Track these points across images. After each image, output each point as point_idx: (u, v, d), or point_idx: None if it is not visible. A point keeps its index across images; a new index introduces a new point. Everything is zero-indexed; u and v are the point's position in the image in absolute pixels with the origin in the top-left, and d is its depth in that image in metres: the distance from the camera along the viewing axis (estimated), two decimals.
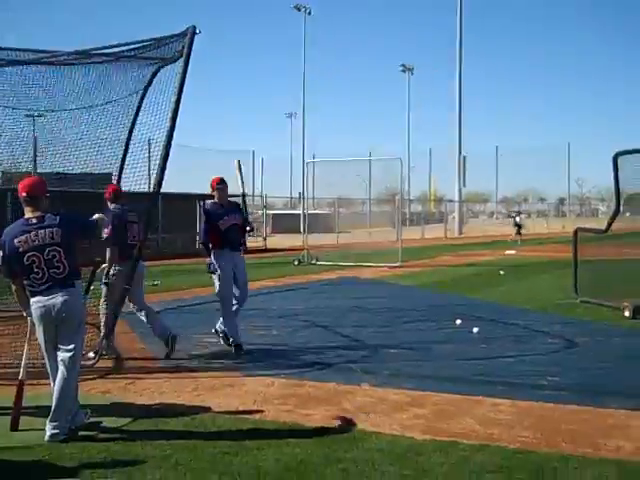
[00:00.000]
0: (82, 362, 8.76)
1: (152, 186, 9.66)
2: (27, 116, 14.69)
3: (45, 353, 6.54)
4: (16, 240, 6.32)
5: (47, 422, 6.26)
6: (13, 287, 6.62)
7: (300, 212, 57.40)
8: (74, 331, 6.44)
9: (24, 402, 6.68)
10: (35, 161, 18.49)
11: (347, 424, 6.68)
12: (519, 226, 43.66)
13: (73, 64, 12.49)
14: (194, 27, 10.05)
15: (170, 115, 9.56)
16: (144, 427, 6.63)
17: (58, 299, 6.32)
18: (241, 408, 7.26)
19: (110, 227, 8.96)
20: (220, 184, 10.36)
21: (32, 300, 6.42)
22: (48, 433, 6.21)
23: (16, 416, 6.56)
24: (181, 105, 9.77)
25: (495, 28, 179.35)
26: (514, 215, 47.06)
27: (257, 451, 5.92)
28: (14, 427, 6.50)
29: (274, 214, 59.66)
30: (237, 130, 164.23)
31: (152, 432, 6.46)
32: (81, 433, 6.40)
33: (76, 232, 6.59)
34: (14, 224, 6.51)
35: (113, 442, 6.20)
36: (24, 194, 6.44)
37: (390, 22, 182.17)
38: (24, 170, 20.86)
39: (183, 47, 10.08)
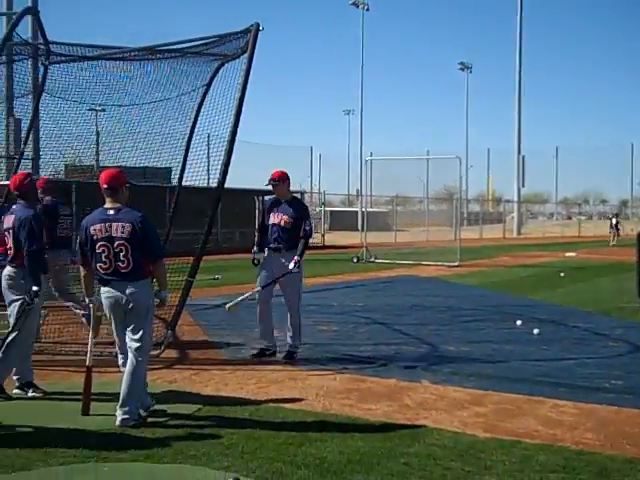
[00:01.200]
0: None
1: (217, 181, 9.79)
2: (90, 110, 15.05)
3: (116, 338, 6.73)
4: (92, 227, 6.51)
5: (117, 407, 6.44)
6: (82, 272, 6.79)
7: (357, 209, 57.50)
8: (141, 320, 6.58)
9: (94, 388, 6.86)
10: (98, 155, 18.93)
11: (408, 419, 6.76)
12: (617, 228, 44.31)
13: (139, 60, 12.74)
14: (258, 24, 10.14)
15: (234, 111, 9.69)
16: (210, 416, 6.77)
17: (124, 290, 6.47)
18: (304, 401, 7.37)
19: None
20: (274, 181, 9.74)
21: (102, 289, 6.60)
22: (119, 418, 6.39)
23: (86, 401, 6.74)
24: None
25: (558, 23, 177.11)
26: (611, 217, 47.90)
27: (320, 443, 6.01)
28: (85, 412, 6.70)
29: (331, 211, 59.79)
30: (295, 126, 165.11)
31: (218, 421, 6.60)
32: (150, 420, 6.56)
33: (141, 239, 6.54)
34: (95, 211, 6.67)
35: (181, 429, 6.35)
36: (105, 185, 6.60)
37: (449, 19, 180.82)
38: (87, 164, 21.36)
39: (246, 44, 10.20)
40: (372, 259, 27.42)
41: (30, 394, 7.40)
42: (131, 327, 6.57)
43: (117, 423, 6.39)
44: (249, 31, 10.19)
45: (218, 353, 9.87)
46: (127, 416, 6.41)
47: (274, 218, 9.55)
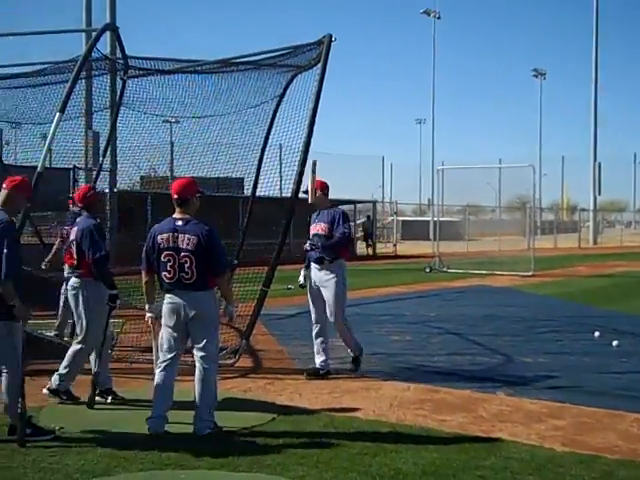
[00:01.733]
0: (222, 361, 9.23)
1: (291, 191, 9.86)
2: (165, 122, 15.35)
3: (165, 345, 6.65)
4: (159, 236, 6.58)
5: (193, 417, 6.53)
6: (144, 279, 6.81)
7: (429, 219, 57.09)
8: (204, 330, 6.59)
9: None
10: (172, 166, 19.27)
11: (483, 431, 6.68)
12: None
13: (215, 73, 12.95)
14: (330, 35, 10.18)
15: (308, 121, 9.74)
16: (285, 425, 6.80)
17: (187, 299, 6.51)
18: (378, 411, 7.35)
19: None
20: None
21: (165, 296, 6.66)
22: (195, 427, 6.48)
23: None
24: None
25: (634, 26, 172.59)
26: None
27: (395, 454, 5.98)
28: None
29: (403, 221, 59.55)
30: (367, 136, 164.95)
31: (293, 431, 6.62)
32: (226, 428, 6.61)
33: (206, 252, 6.56)
34: (165, 220, 6.73)
35: (256, 438, 6.40)
36: (175, 195, 6.67)
37: (522, 25, 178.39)
38: (162, 175, 21.76)
39: (319, 55, 10.25)
40: (444, 269, 27.23)
41: (109, 401, 7.56)
42: (195, 336, 6.60)
43: (194, 431, 6.47)
44: (322, 42, 10.25)
45: (292, 363, 9.94)
46: (203, 424, 6.48)
47: (314, 229, 9.53)
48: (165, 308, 6.61)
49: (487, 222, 72.64)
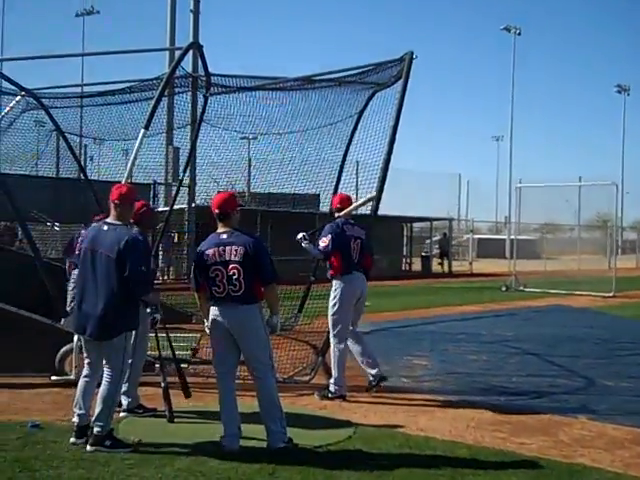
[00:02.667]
0: (298, 378, 9.26)
1: (370, 209, 9.82)
2: (242, 138, 15.54)
3: (216, 361, 6.72)
4: (206, 252, 6.59)
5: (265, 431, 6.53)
6: (197, 298, 6.83)
7: (505, 237, 56.36)
8: (253, 343, 6.57)
9: (244, 410, 6.76)
10: (249, 181, 19.50)
11: (564, 457, 6.51)
12: None
13: (296, 90, 13.04)
14: (412, 52, 10.13)
15: (388, 139, 9.67)
16: (360, 444, 6.74)
17: (232, 313, 6.52)
18: (454, 432, 7.25)
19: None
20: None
21: (212, 309, 6.65)
22: (268, 441, 6.47)
23: None
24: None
25: None
26: None
27: (472, 477, 5.87)
28: None
29: (479, 238, 58.89)
30: (443, 153, 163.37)
31: (368, 449, 6.56)
32: (302, 444, 6.60)
33: (254, 262, 6.56)
34: (209, 237, 6.74)
35: (331, 456, 6.36)
36: (216, 210, 6.71)
37: (604, 41, 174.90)
38: (239, 190, 21.99)
39: (400, 72, 10.22)
40: (521, 288, 26.76)
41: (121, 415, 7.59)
42: (244, 349, 6.60)
43: (268, 445, 6.46)
44: (403, 60, 10.22)
45: (366, 380, 9.84)
46: (274, 437, 6.46)
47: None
48: (212, 322, 6.62)
49: (566, 240, 71.24)
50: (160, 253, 26.59)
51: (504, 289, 26.45)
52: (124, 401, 7.59)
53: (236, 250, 6.53)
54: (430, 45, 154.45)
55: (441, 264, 39.34)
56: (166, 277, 26.73)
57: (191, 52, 12.67)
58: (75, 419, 6.49)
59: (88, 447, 6.29)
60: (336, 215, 9.48)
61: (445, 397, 8.83)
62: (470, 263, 40.93)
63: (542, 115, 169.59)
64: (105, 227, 6.66)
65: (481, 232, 72.08)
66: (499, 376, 10.22)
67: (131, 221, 8.00)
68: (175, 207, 24.52)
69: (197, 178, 17.74)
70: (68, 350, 8.61)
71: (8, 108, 12.98)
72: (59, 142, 15.17)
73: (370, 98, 11.88)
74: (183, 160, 15.87)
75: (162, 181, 23.36)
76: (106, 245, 6.47)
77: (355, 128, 12.21)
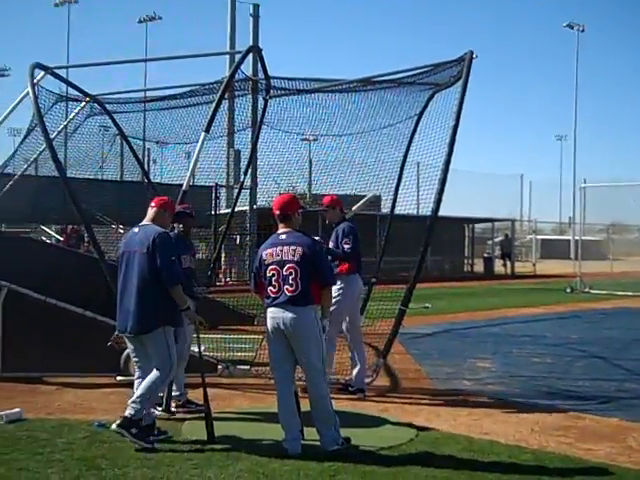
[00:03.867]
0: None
1: (431, 210, 9.74)
2: (303, 140, 15.55)
3: (272, 364, 6.71)
4: (264, 253, 6.60)
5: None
6: (260, 299, 6.82)
7: (569, 238, 55.38)
8: (306, 345, 6.48)
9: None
10: (310, 183, 19.53)
11: (634, 463, 6.33)
12: None
13: (355, 92, 13.03)
14: (472, 52, 10.03)
15: (448, 140, 9.58)
16: (422, 447, 6.66)
17: (287, 315, 6.43)
18: (518, 436, 7.11)
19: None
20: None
21: (268, 310, 6.58)
22: (320, 443, 6.44)
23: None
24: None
25: None
26: None
27: None
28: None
29: (542, 239, 58.03)
30: (505, 153, 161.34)
31: (429, 453, 6.47)
32: (362, 447, 6.57)
33: (312, 263, 6.52)
34: (270, 238, 6.75)
35: (392, 459, 6.28)
36: (277, 212, 6.72)
37: None
38: (300, 192, 22.02)
39: (460, 72, 10.13)
40: (587, 289, 26.26)
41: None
42: (297, 351, 6.53)
43: (321, 448, 6.41)
44: (463, 59, 10.13)
45: (429, 383, 9.78)
46: (326, 439, 6.43)
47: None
48: (267, 324, 6.57)
49: (633, 241, 69.73)
50: (222, 255, 26.91)
51: (569, 291, 25.99)
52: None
53: (294, 250, 6.50)
54: (492, 43, 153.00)
55: (504, 265, 38.86)
56: (228, 279, 26.93)
57: (251, 56, 12.73)
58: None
59: (113, 426, 6.49)
60: (346, 214, 9.53)
61: (509, 401, 8.68)
62: (533, 264, 40.30)
63: (607, 114, 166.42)
64: (136, 229, 6.98)
65: (544, 233, 71.01)
66: (564, 379, 10.03)
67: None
68: (237, 209, 24.90)
69: (258, 180, 17.85)
70: None
71: (74, 113, 13.25)
72: (122, 146, 15.42)
73: (430, 99, 11.80)
74: (244, 163, 15.97)
75: (224, 184, 23.55)
76: (138, 244, 6.77)
77: (415, 129, 12.15)
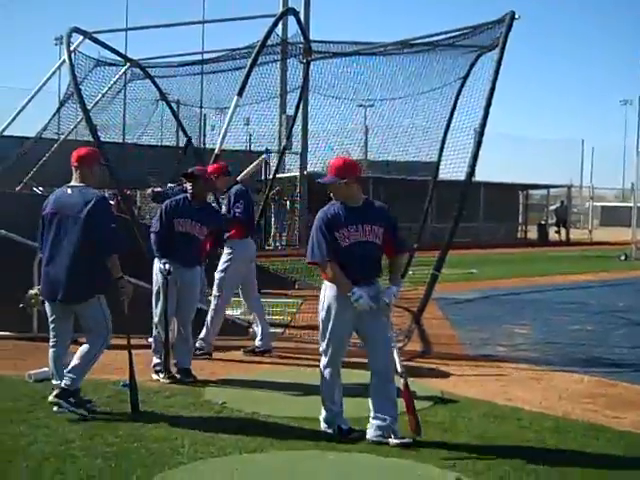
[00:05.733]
0: (393, 344, 9.18)
1: (465, 174, 9.61)
2: (359, 106, 15.44)
3: (331, 343, 5.93)
4: (345, 230, 5.82)
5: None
6: (330, 271, 5.79)
7: (631, 205, 54.16)
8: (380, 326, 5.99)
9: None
10: (366, 150, 19.41)
11: None
12: None
13: (393, 54, 12.87)
14: (513, 12, 9.81)
15: (484, 103, 9.44)
16: (444, 412, 6.61)
17: (369, 290, 5.83)
18: (544, 403, 7.01)
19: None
20: None
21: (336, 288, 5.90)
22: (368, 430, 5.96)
23: (416, 420, 5.90)
24: (499, 93, 9.56)
25: None
26: None
27: (555, 449, 5.67)
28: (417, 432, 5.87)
29: (602, 206, 56.83)
30: (565, 118, 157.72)
31: (452, 418, 6.42)
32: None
33: (387, 234, 5.97)
34: (334, 206, 5.94)
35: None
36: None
37: None
38: (355, 157, 21.87)
39: (501, 34, 9.91)
40: None
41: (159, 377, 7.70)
42: (369, 330, 5.95)
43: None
44: (503, 20, 9.91)
45: (462, 348, 9.71)
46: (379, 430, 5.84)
47: None
48: (337, 300, 5.84)
49: None
50: (272, 219, 27.02)
51: (623, 258, 25.46)
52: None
53: (376, 229, 5.89)
54: (554, 4, 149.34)
55: (558, 232, 38.20)
56: (278, 244, 27.05)
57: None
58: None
59: (50, 398, 6.20)
60: (239, 180, 9.34)
61: (541, 367, 8.57)
62: (590, 231, 39.55)
63: None
64: (69, 190, 6.44)
65: (606, 200, 69.52)
66: (602, 347, 9.87)
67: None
68: (287, 175, 24.89)
69: (309, 145, 17.80)
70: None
71: (115, 79, 13.33)
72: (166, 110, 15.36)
73: (475, 61, 11.58)
74: (296, 128, 15.98)
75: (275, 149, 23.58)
76: (72, 207, 6.29)
77: (460, 92, 11.95)
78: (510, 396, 7.24)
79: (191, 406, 6.65)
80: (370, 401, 5.90)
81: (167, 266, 7.51)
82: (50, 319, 6.53)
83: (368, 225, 5.87)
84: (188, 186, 7.91)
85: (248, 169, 9.86)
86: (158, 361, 7.71)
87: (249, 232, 9.16)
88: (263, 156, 10.25)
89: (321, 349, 5.99)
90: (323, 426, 5.99)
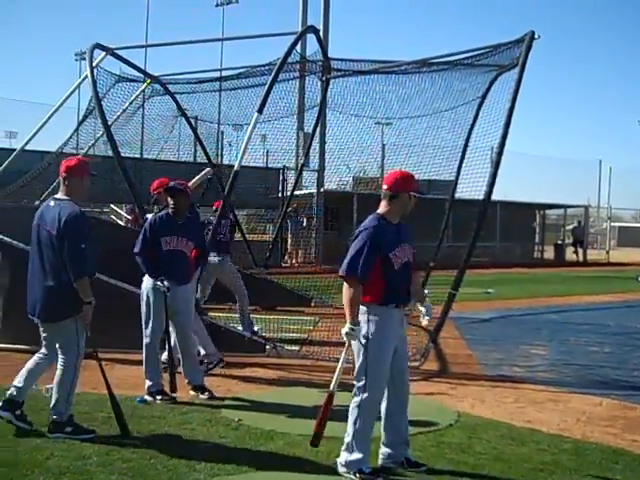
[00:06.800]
0: (409, 363, 9.14)
1: (484, 193, 9.60)
2: (377, 124, 15.47)
3: (376, 381, 5.52)
4: (391, 248, 5.50)
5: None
6: (355, 291, 5.35)
7: None
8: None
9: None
10: (382, 167, 19.45)
11: None
12: None
13: (414, 73, 12.89)
14: (532, 32, 9.86)
15: (504, 122, 9.45)
16: (461, 433, 6.58)
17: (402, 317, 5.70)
18: (562, 425, 6.95)
19: None
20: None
21: (382, 313, 5.46)
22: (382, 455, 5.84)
23: (319, 433, 5.55)
24: (516, 112, 9.55)
25: None
26: None
27: (574, 473, 5.61)
28: (315, 443, 5.60)
29: (620, 227, 56.52)
30: (582, 138, 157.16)
31: (468, 439, 6.39)
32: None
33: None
34: (376, 220, 5.58)
35: (428, 444, 6.20)
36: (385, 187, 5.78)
37: None
38: (371, 175, 21.95)
39: (520, 53, 9.93)
40: None
41: (196, 394, 7.61)
42: (400, 361, 5.73)
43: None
44: (523, 40, 9.94)
45: (479, 368, 9.65)
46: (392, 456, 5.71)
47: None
48: (385, 328, 5.46)
49: None
50: (289, 237, 27.03)
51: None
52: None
53: (411, 251, 5.69)
54: (571, 24, 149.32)
55: (575, 252, 38.01)
56: (294, 260, 27.04)
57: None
58: (10, 390, 6.18)
59: (49, 435, 5.97)
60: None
61: (559, 389, 8.51)
62: (607, 252, 39.32)
63: None
64: (52, 203, 6.20)
65: (624, 220, 69.17)
66: (620, 369, 9.77)
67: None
68: (304, 192, 24.94)
69: (327, 162, 17.84)
70: None
71: (135, 95, 13.42)
72: (181, 127, 15.44)
73: (494, 80, 11.60)
74: (315, 146, 16.01)
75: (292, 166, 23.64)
76: (49, 221, 6.06)
77: (478, 111, 11.95)
78: (527, 417, 7.19)
79: (207, 423, 6.63)
80: (383, 425, 5.70)
81: (165, 282, 7.42)
82: (41, 332, 6.28)
83: (406, 245, 5.62)
84: (170, 201, 7.75)
85: (194, 180, 9.63)
86: (150, 383, 7.51)
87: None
88: (208, 169, 10.20)
89: (359, 384, 5.47)
90: (342, 470, 5.44)
